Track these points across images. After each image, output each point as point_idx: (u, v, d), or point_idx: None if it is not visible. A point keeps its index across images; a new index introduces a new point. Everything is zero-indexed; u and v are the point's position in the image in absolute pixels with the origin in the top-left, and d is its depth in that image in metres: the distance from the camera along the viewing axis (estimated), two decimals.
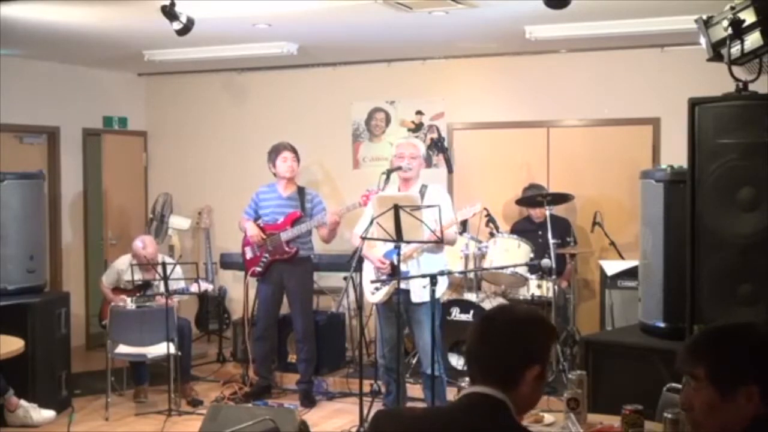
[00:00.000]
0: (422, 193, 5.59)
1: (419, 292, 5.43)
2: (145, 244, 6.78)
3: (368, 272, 5.70)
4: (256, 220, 6.67)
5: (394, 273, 5.39)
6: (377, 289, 5.60)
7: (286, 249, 6.52)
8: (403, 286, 5.39)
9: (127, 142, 8.89)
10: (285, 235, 6.49)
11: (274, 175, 6.69)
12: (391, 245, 5.32)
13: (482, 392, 2.08)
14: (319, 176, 8.14)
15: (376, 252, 5.61)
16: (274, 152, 6.65)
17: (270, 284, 6.66)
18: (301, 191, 6.67)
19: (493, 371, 2.09)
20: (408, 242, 5.28)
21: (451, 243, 5.67)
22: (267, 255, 6.56)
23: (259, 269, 6.61)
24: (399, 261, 5.27)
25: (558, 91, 7.45)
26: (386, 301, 5.57)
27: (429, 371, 5.43)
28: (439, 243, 5.35)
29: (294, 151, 6.67)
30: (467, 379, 3.07)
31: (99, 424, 6.12)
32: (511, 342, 2.11)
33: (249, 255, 6.66)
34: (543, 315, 2.30)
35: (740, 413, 1.94)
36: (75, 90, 8.32)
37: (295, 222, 6.53)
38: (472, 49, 7.44)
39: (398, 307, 5.29)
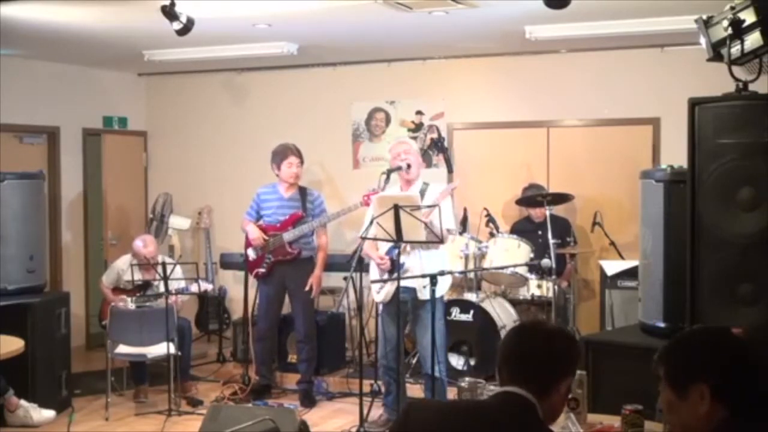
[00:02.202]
0: (423, 192, 5.58)
1: (424, 290, 5.42)
2: (145, 242, 6.78)
3: (374, 272, 5.69)
4: (258, 220, 6.67)
5: (394, 268, 5.39)
6: (381, 287, 5.59)
7: (289, 250, 6.52)
8: (409, 283, 5.39)
9: (127, 142, 8.89)
10: (287, 236, 6.50)
11: (277, 176, 6.69)
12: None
13: (519, 393, 2.14)
14: (320, 176, 8.13)
15: (382, 251, 5.60)
16: (280, 155, 6.62)
17: (272, 285, 6.66)
18: (302, 191, 6.67)
19: (533, 376, 2.16)
20: (408, 242, 5.28)
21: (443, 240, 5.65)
22: (270, 256, 6.57)
23: (262, 270, 6.62)
24: (399, 260, 5.27)
25: (558, 91, 7.45)
26: (391, 300, 5.55)
27: (430, 372, 5.43)
28: (440, 242, 5.35)
29: (299, 155, 6.64)
30: (467, 379, 3.09)
31: (99, 424, 6.12)
32: (555, 351, 2.20)
33: (252, 256, 6.66)
34: (571, 332, 2.42)
35: (695, 411, 2.00)
36: (75, 90, 8.32)
37: (296, 222, 6.53)
38: (472, 49, 7.44)
39: (398, 306, 5.29)
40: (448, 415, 2.22)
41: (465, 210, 7.14)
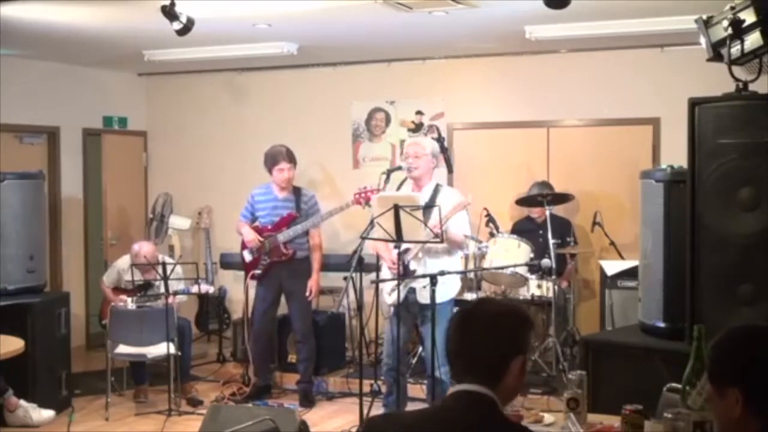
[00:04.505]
0: (435, 194, 5.53)
1: (424, 293, 5.41)
2: (140, 248, 6.74)
3: (386, 273, 5.67)
4: (253, 222, 6.67)
5: (406, 273, 5.38)
6: (393, 289, 5.55)
7: (284, 251, 6.52)
8: (412, 285, 5.38)
9: (127, 142, 8.89)
10: (282, 237, 6.50)
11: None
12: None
13: (472, 390, 2.09)
14: (319, 176, 8.14)
15: (393, 253, 5.57)
16: (271, 161, 6.59)
17: (268, 286, 6.66)
18: (296, 191, 6.66)
19: (480, 366, 2.11)
20: (408, 242, 5.27)
21: (459, 245, 5.62)
22: (266, 257, 6.57)
23: (258, 272, 6.62)
24: (399, 260, 5.26)
25: (558, 91, 7.45)
26: (402, 302, 5.52)
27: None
28: (440, 242, 5.33)
29: (291, 159, 6.59)
30: None
31: (99, 424, 6.13)
32: (495, 335, 2.13)
33: (248, 258, 6.65)
34: (519, 305, 2.31)
35: (729, 413, 1.95)
36: (75, 90, 8.32)
37: (291, 223, 6.53)
38: (472, 49, 7.44)
39: (398, 306, 5.29)
40: (410, 428, 2.17)
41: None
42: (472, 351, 2.13)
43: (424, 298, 5.40)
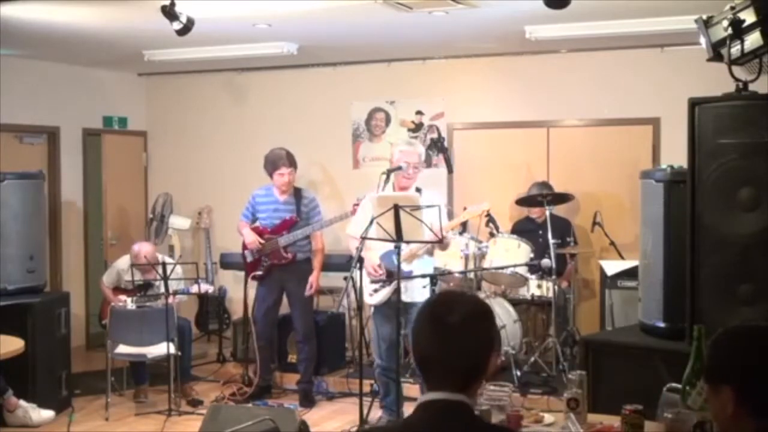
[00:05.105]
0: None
1: (410, 292, 5.43)
2: (140, 249, 6.74)
3: (364, 278, 5.69)
4: (253, 222, 6.67)
5: (390, 278, 5.39)
6: (376, 290, 5.58)
7: (284, 254, 6.53)
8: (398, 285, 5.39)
9: (127, 142, 8.89)
10: (282, 241, 6.51)
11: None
12: (389, 248, 5.30)
13: (447, 399, 1.99)
14: (319, 176, 8.14)
15: (372, 255, 5.59)
16: (271, 165, 6.59)
17: (269, 287, 6.66)
18: (297, 193, 6.66)
19: (459, 373, 2.00)
20: (408, 242, 5.27)
21: (446, 247, 5.66)
22: (266, 259, 6.57)
23: (260, 273, 6.62)
24: (399, 261, 5.26)
25: (558, 91, 7.45)
26: (385, 303, 5.57)
27: None
28: (440, 243, 5.34)
29: (292, 163, 6.59)
30: None
31: (99, 424, 6.13)
32: (472, 340, 2.02)
33: (249, 258, 6.66)
34: (479, 297, 2.20)
35: (723, 411, 1.96)
36: (75, 90, 8.32)
37: (290, 228, 6.53)
38: (472, 49, 7.44)
39: (397, 306, 5.28)
40: None
41: (465, 210, 7.12)
42: (450, 359, 2.00)
43: (409, 297, 5.42)
